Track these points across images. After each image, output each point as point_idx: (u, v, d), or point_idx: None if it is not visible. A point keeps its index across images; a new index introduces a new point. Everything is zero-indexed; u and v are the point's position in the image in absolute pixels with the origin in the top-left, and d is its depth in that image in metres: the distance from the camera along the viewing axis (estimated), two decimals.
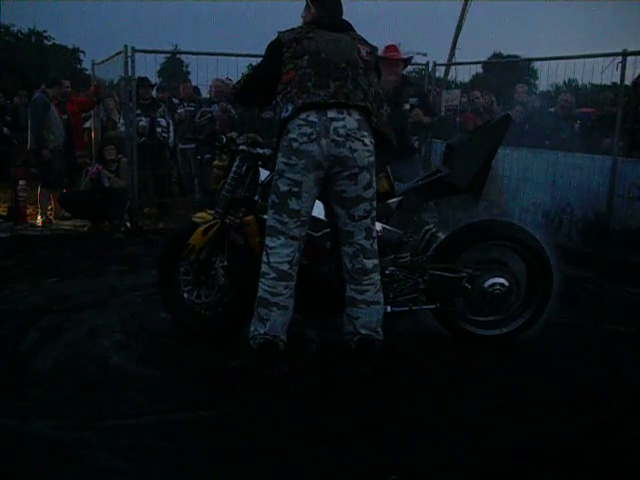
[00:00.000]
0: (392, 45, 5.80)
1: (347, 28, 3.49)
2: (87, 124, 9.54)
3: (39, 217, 7.96)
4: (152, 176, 8.19)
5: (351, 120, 3.24)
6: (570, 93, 8.10)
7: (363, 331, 3.39)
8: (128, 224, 7.53)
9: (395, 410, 3.13)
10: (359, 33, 3.52)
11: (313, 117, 3.21)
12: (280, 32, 3.43)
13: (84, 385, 3.32)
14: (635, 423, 3.09)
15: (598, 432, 2.96)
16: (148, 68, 7.71)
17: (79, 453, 2.68)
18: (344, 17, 3.55)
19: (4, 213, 8.20)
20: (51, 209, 8.23)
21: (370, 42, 3.54)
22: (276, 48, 3.40)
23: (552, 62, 6.72)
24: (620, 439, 2.93)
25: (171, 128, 8.60)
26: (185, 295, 3.96)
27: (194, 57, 7.79)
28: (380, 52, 5.30)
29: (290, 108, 3.23)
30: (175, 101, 9.36)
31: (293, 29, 3.43)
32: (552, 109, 8.05)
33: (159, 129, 8.38)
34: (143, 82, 8.11)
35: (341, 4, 3.55)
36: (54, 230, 7.57)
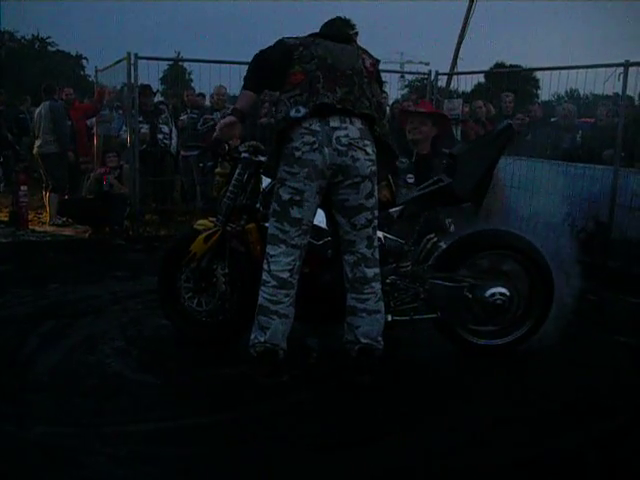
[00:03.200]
0: (424, 101, 5.16)
1: (350, 40, 3.52)
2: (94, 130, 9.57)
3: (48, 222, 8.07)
4: (153, 183, 8.20)
5: (353, 129, 3.25)
6: (572, 103, 8.11)
7: (364, 340, 3.38)
8: (130, 232, 7.53)
9: (395, 419, 3.12)
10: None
11: (316, 126, 3.21)
12: (285, 37, 3.43)
13: (83, 391, 3.31)
14: (637, 433, 3.09)
15: (600, 442, 2.95)
16: (151, 75, 7.73)
17: (77, 459, 2.67)
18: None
19: (6, 218, 8.21)
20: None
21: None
22: (284, 46, 3.38)
23: (554, 72, 6.73)
24: (622, 449, 2.92)
25: (174, 135, 8.60)
26: (186, 302, 3.96)
27: (197, 64, 7.82)
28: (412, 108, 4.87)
29: (302, 110, 3.21)
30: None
31: (297, 37, 3.44)
32: (554, 119, 8.05)
33: (160, 136, 8.38)
34: (145, 89, 8.13)
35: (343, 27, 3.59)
36: (55, 236, 7.58)
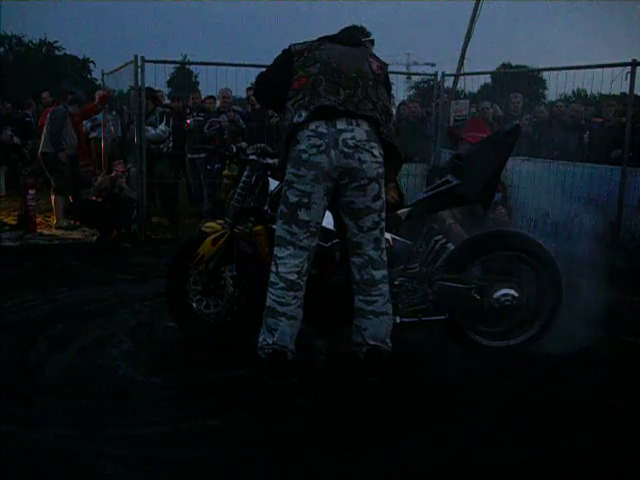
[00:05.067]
0: (476, 121, 5.06)
1: (359, 44, 3.53)
2: (94, 134, 9.60)
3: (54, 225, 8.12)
4: (156, 185, 8.19)
5: (360, 131, 3.24)
6: (579, 103, 8.09)
7: (371, 342, 3.38)
8: (139, 235, 7.54)
9: (403, 421, 3.11)
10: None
11: (322, 128, 3.22)
12: (292, 44, 3.46)
13: (92, 394, 3.32)
14: None
15: (609, 443, 2.94)
16: (158, 78, 7.74)
17: (85, 462, 2.68)
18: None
19: (14, 222, 8.24)
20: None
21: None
22: (286, 55, 3.46)
23: (561, 72, 6.71)
24: (631, 450, 2.91)
25: (159, 130, 8.30)
26: (194, 305, 3.97)
27: (203, 67, 7.83)
28: (463, 130, 4.70)
29: (304, 114, 3.23)
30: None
31: (305, 42, 3.47)
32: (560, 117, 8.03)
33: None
34: (151, 92, 8.12)
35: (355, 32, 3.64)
36: (63, 239, 7.60)
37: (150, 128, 8.15)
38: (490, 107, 8.22)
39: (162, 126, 8.35)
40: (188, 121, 8.59)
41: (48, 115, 8.35)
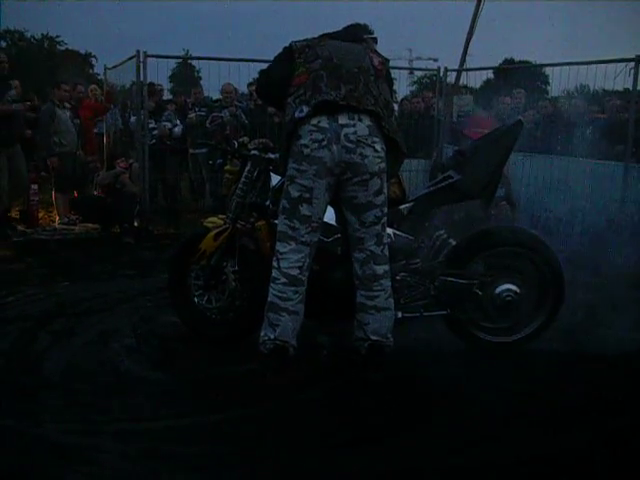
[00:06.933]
0: (479, 117, 5.10)
1: (360, 40, 3.53)
2: (95, 129, 9.58)
3: (57, 221, 8.09)
4: (160, 180, 8.21)
5: (362, 126, 3.24)
6: (582, 99, 8.06)
7: (373, 337, 3.38)
8: (141, 229, 7.55)
9: (404, 416, 3.11)
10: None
11: (324, 123, 3.22)
12: (293, 41, 3.46)
13: (94, 389, 3.33)
14: None
15: (610, 439, 2.93)
16: (160, 73, 7.75)
17: (89, 457, 2.68)
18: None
19: (16, 217, 8.24)
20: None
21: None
22: (287, 53, 3.46)
23: (564, 68, 6.70)
24: (632, 446, 2.90)
25: (177, 129, 8.52)
26: (196, 300, 3.98)
27: (205, 62, 7.82)
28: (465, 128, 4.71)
29: (305, 109, 3.23)
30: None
31: (306, 39, 3.48)
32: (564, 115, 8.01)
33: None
34: (151, 87, 8.12)
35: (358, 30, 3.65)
36: (65, 234, 7.60)
37: (169, 124, 8.21)
38: (510, 103, 8.08)
39: (179, 122, 8.44)
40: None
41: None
